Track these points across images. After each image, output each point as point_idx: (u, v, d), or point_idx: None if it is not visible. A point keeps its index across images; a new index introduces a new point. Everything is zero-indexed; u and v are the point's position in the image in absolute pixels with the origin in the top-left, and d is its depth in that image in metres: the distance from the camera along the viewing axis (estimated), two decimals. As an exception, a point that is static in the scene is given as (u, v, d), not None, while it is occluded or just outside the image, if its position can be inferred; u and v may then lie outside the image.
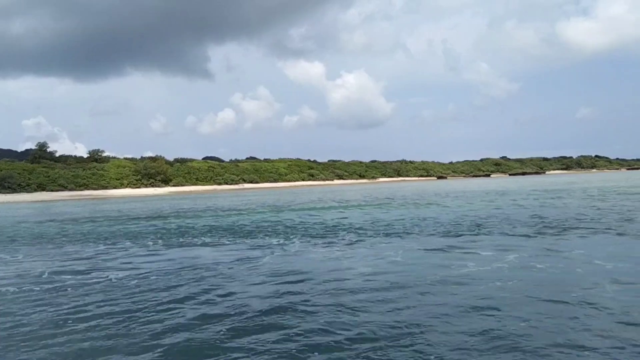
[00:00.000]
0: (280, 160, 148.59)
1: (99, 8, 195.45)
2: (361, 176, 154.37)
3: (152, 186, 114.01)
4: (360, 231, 16.76)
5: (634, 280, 7.92)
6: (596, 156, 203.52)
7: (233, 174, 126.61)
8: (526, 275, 8.59)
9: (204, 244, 15.30)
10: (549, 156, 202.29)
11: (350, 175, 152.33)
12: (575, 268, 9.08)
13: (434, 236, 14.60)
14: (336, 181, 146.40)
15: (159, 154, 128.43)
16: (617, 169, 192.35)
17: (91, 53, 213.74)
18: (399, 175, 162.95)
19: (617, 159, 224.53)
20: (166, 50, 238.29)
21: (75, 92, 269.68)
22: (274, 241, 15.16)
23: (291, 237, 16.12)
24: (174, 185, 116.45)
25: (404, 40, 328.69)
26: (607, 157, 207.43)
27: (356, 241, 14.34)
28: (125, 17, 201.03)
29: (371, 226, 18.21)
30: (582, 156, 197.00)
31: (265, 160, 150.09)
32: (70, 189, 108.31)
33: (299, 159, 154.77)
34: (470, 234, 14.66)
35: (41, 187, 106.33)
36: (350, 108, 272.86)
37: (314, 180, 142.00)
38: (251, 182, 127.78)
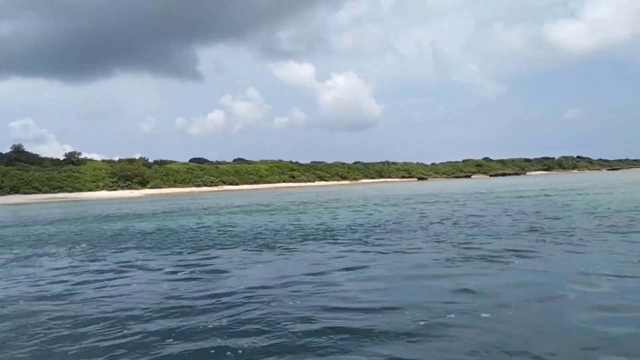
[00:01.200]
0: (262, 162, 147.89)
1: (88, 10, 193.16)
2: (343, 177, 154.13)
3: (129, 188, 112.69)
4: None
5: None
6: (578, 157, 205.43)
7: (212, 176, 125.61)
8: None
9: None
10: (534, 157, 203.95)
11: (332, 177, 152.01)
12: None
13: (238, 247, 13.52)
14: (317, 183, 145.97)
15: (146, 156, 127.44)
16: (598, 169, 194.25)
17: (80, 55, 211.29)
18: (381, 176, 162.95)
19: (600, 159, 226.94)
20: (155, 52, 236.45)
21: (64, 94, 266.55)
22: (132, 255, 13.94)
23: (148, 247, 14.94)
24: (151, 188, 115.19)
25: (393, 42, 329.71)
26: (589, 158, 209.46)
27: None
28: (114, 18, 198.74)
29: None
30: (563, 157, 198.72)
31: (247, 161, 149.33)
32: (45, 192, 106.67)
33: (281, 161, 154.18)
34: (295, 241, 13.81)
35: (14, 190, 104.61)
36: (341, 109, 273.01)
37: (295, 181, 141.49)
38: (231, 184, 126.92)
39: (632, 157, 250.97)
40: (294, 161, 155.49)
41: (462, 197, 33.12)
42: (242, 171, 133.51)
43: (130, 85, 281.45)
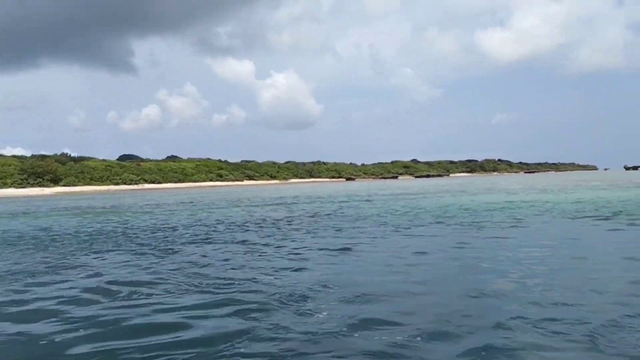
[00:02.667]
0: (189, 160, 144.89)
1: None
2: (273, 177, 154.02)
3: (40, 186, 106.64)
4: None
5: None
6: (499, 160, 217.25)
7: (133, 174, 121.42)
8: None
9: None
10: (461, 159, 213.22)
11: (261, 176, 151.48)
12: None
13: None
14: (246, 182, 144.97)
15: (73, 152, 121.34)
16: (517, 172, 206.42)
17: (1, 43, 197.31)
18: (311, 176, 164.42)
19: (520, 162, 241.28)
20: (86, 43, 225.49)
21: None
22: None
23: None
24: (64, 185, 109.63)
25: (333, 43, 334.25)
26: (509, 161, 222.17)
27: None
28: (40, 5, 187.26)
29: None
30: (486, 160, 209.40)
31: (179, 159, 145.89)
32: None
33: (209, 159, 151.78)
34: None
35: None
36: (281, 108, 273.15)
37: (223, 180, 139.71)
38: (153, 182, 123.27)
39: (550, 161, 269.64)
40: (223, 160, 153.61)
41: (324, 200, 34.05)
42: (166, 169, 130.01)
43: (58, 77, 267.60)
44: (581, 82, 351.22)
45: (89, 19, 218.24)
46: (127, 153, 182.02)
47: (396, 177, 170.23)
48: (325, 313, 5.61)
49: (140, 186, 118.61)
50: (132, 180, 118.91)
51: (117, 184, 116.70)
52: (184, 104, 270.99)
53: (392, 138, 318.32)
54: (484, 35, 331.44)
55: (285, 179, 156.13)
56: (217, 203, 34.97)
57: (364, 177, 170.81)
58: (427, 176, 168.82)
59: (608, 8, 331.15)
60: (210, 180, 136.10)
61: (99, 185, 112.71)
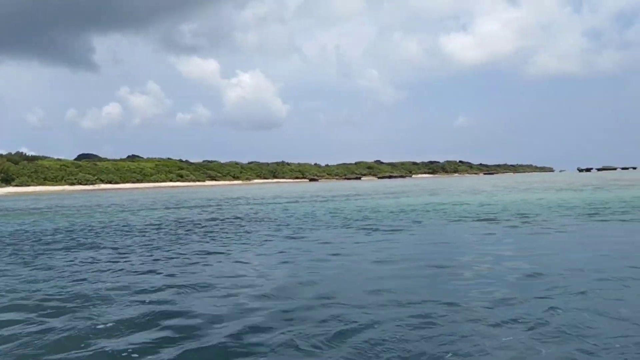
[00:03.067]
0: (148, 160, 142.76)
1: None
2: (235, 177, 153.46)
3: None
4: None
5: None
6: (460, 161, 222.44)
7: (89, 174, 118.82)
8: None
9: None
10: (424, 160, 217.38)
11: (223, 177, 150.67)
12: None
13: None
14: (208, 182, 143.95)
15: (32, 151, 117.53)
16: (476, 173, 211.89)
17: None
18: (275, 177, 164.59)
19: (481, 164, 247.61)
20: (45, 39, 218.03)
21: None
22: None
23: None
24: (17, 185, 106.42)
25: (299, 43, 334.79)
26: (469, 163, 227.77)
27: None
28: None
29: None
30: (447, 161, 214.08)
31: (132, 158, 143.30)
32: None
33: (170, 159, 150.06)
34: None
35: None
36: (246, 108, 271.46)
37: (183, 181, 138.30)
38: (110, 182, 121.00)
39: (510, 163, 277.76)
40: (184, 160, 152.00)
41: (263, 202, 34.63)
42: (123, 169, 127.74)
43: (16, 73, 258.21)
44: (540, 86, 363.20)
45: (48, 14, 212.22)
46: (86, 152, 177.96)
47: (359, 178, 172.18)
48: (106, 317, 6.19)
49: (96, 186, 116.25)
50: (88, 180, 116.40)
51: (72, 184, 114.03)
52: (146, 103, 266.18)
53: (357, 139, 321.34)
54: (447, 39, 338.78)
55: (248, 179, 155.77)
56: (149, 205, 34.95)
57: (328, 178, 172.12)
58: (390, 177, 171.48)
59: (565, 15, 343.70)
60: (171, 180, 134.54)
61: (53, 185, 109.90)
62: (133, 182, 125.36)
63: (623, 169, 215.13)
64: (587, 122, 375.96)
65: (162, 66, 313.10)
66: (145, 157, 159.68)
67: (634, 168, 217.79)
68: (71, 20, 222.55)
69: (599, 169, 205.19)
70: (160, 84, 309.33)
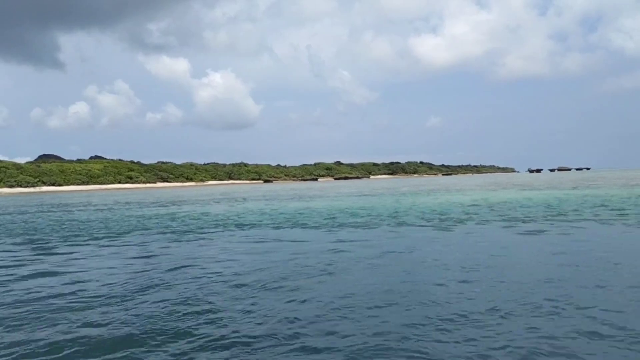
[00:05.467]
0: (96, 161, 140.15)
1: None
2: (189, 179, 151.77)
3: None
4: None
5: None
6: (420, 162, 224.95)
7: (30, 176, 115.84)
8: None
9: None
10: (388, 161, 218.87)
11: (176, 178, 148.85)
12: None
13: None
14: (159, 184, 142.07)
15: None
16: (436, 174, 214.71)
17: None
18: (231, 178, 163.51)
19: (442, 165, 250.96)
20: (8, 36, 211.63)
21: None
22: None
23: None
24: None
25: (270, 43, 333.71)
26: (430, 163, 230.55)
27: None
28: None
29: None
30: (407, 162, 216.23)
31: (79, 160, 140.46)
32: None
33: (121, 160, 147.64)
34: None
35: None
36: (218, 108, 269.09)
37: (133, 183, 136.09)
38: (53, 184, 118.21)
39: (474, 163, 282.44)
40: (136, 161, 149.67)
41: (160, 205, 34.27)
42: (68, 171, 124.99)
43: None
44: (508, 87, 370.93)
45: (11, 11, 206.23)
46: (48, 153, 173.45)
47: (316, 179, 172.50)
48: None
49: (37, 189, 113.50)
50: (28, 182, 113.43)
51: (11, 186, 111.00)
52: (115, 102, 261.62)
53: (329, 139, 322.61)
54: (418, 40, 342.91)
55: (202, 181, 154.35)
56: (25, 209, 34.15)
57: (285, 179, 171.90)
58: (346, 178, 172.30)
59: (532, 18, 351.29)
60: (119, 182, 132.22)
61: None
62: (78, 185, 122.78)
63: (577, 169, 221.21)
64: (551, 123, 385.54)
65: (130, 65, 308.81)
66: (108, 157, 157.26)
67: (588, 169, 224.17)
68: (35, 18, 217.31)
69: (551, 170, 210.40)
70: (129, 83, 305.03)
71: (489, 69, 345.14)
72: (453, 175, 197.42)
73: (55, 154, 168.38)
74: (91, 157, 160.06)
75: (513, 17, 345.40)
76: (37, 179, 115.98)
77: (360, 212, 22.61)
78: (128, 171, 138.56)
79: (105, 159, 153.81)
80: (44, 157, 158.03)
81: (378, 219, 18.65)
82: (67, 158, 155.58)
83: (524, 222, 15.98)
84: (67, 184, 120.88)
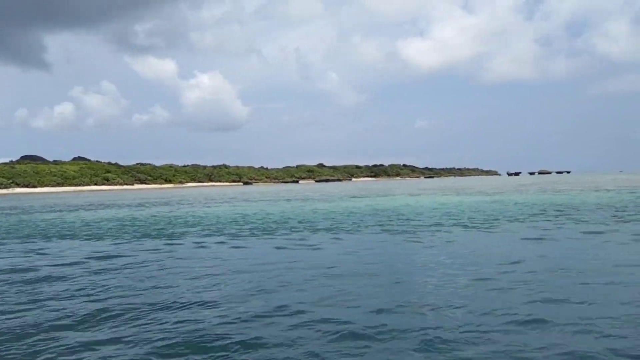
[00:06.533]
0: (72, 163, 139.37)
1: None
2: (168, 181, 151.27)
3: None
4: None
5: None
6: (403, 165, 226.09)
7: (3, 177, 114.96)
8: None
9: None
10: (370, 163, 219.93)
11: (154, 180, 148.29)
12: None
13: None
14: (137, 186, 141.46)
15: None
16: (418, 176, 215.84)
17: None
18: (211, 180, 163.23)
19: (426, 167, 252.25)
20: None
21: None
22: None
23: None
24: None
25: (259, 45, 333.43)
26: (413, 166, 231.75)
27: None
28: None
29: None
30: (390, 165, 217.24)
31: (55, 162, 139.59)
32: None
33: (98, 161, 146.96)
34: None
35: None
36: (206, 109, 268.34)
37: (109, 184, 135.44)
38: (27, 186, 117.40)
39: (458, 166, 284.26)
40: (113, 162, 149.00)
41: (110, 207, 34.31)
42: (43, 172, 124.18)
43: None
44: (495, 91, 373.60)
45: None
46: (32, 154, 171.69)
47: (297, 182, 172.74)
48: None
49: (10, 190, 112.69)
50: (1, 184, 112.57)
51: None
52: (101, 103, 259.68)
53: (317, 141, 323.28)
54: (406, 43, 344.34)
55: (181, 182, 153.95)
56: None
57: (265, 181, 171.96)
58: (327, 181, 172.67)
59: (518, 22, 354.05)
60: (95, 184, 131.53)
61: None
62: (53, 186, 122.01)
63: (558, 172, 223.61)
64: (538, 127, 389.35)
65: (117, 66, 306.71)
66: (92, 159, 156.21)
67: (568, 172, 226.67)
68: (21, 18, 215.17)
69: (531, 173, 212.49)
70: (116, 84, 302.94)
71: (477, 72, 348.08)
72: (433, 178, 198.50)
73: (39, 155, 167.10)
74: (74, 159, 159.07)
75: (499, 21, 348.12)
76: (11, 181, 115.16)
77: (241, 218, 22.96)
78: (105, 172, 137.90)
79: (90, 160, 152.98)
80: (27, 158, 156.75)
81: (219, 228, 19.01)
82: (51, 159, 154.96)
83: (348, 232, 16.43)
84: (41, 186, 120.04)
